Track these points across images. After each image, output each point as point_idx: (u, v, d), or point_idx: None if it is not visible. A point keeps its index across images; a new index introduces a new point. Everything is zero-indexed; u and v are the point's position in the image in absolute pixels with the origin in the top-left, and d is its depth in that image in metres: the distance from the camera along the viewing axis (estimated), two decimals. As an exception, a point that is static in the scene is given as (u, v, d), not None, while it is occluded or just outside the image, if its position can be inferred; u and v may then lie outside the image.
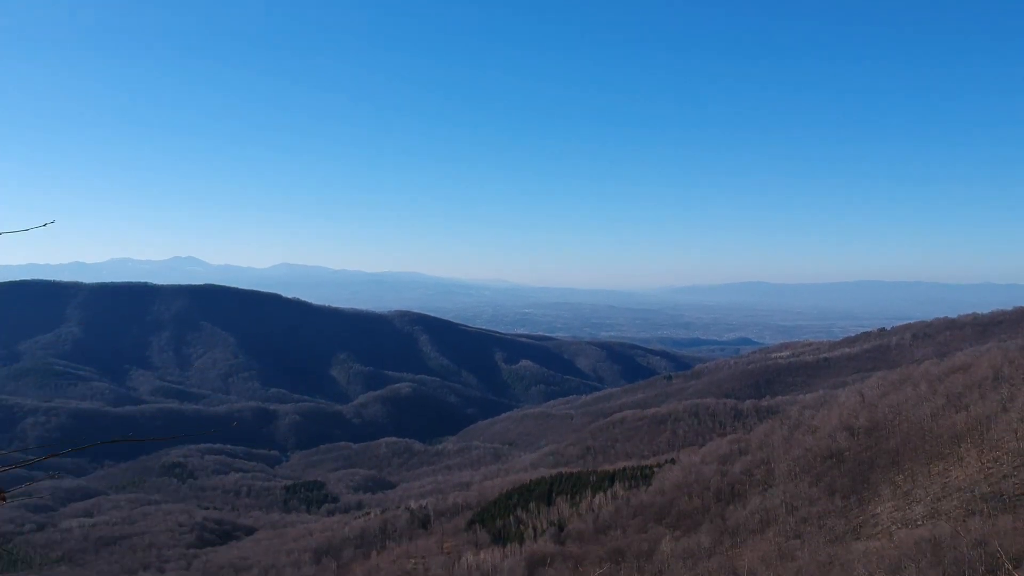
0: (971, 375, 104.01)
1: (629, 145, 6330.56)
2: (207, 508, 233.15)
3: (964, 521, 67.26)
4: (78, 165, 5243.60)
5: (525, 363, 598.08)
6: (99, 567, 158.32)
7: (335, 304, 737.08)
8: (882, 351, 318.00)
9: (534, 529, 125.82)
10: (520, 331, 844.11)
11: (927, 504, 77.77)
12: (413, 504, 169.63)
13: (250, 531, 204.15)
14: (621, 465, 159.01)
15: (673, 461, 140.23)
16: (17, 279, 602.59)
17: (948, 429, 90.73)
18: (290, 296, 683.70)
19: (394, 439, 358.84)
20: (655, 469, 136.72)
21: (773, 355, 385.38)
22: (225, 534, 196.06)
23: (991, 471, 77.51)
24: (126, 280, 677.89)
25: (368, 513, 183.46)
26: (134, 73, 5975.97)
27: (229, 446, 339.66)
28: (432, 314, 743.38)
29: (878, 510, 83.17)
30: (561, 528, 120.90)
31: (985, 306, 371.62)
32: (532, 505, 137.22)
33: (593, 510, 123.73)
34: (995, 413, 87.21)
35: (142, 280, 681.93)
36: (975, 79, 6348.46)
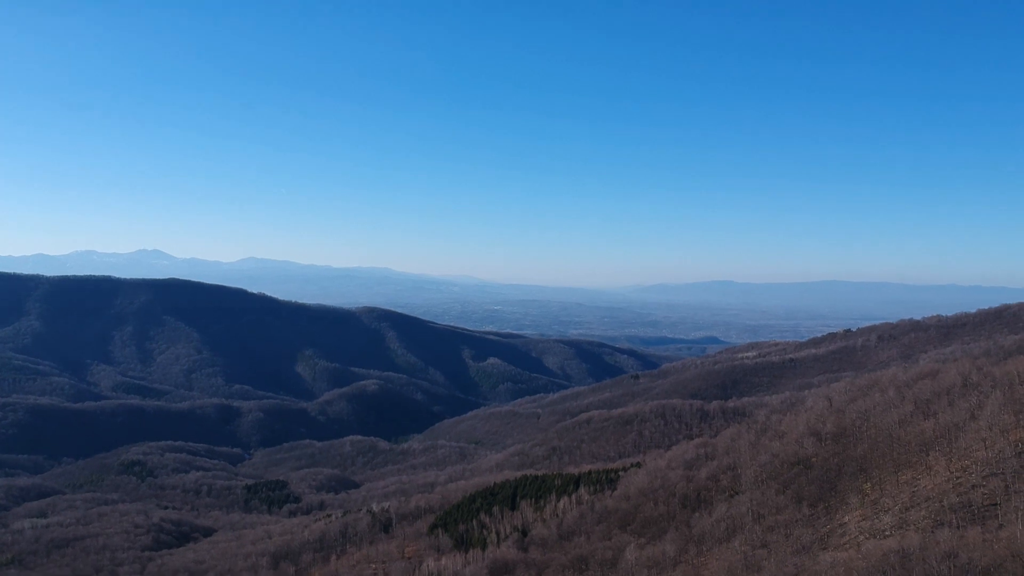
0: (939, 382, 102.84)
1: (600, 144, 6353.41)
2: (166, 508, 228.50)
3: (933, 532, 65.69)
4: (43, 156, 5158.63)
5: (493, 361, 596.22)
6: (50, 571, 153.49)
7: (302, 300, 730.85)
8: (848, 352, 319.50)
9: (497, 534, 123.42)
10: (488, 328, 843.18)
11: (895, 514, 76.17)
12: (375, 507, 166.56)
13: (208, 532, 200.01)
14: (586, 468, 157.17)
15: (639, 465, 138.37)
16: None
17: (916, 437, 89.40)
18: (256, 291, 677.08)
19: (359, 437, 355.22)
20: (620, 473, 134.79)
21: (740, 355, 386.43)
22: (183, 536, 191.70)
23: (960, 481, 76.08)
24: (89, 273, 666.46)
25: (329, 515, 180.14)
26: (103, 64, 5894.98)
27: (191, 444, 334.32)
28: (400, 310, 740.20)
29: (846, 519, 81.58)
30: (525, 534, 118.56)
31: (948, 308, 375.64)
32: (496, 509, 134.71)
33: (557, 515, 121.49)
34: (964, 421, 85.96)
35: (106, 273, 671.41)
36: (945, 86, 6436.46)
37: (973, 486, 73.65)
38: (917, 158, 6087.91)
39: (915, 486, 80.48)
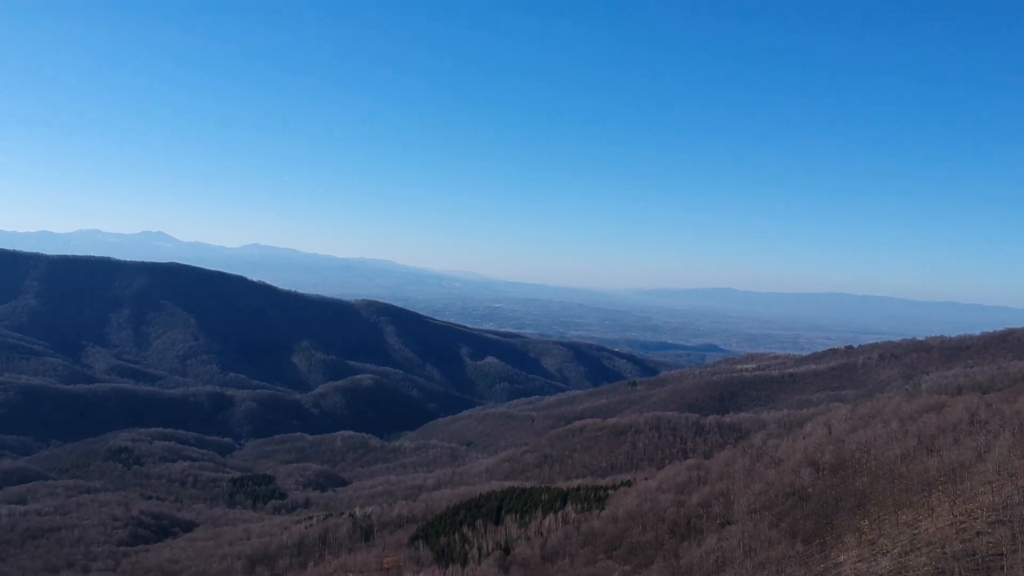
0: (945, 416, 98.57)
1: (607, 146, 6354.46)
2: (149, 498, 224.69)
3: (933, 581, 61.74)
4: (53, 136, 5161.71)
5: (491, 360, 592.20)
6: (21, 562, 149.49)
7: (302, 289, 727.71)
8: (848, 370, 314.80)
9: (479, 550, 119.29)
10: (488, 326, 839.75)
11: (894, 557, 71.98)
12: (358, 511, 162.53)
13: (189, 527, 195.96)
14: (575, 483, 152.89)
15: (629, 484, 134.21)
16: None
17: (919, 475, 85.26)
18: (257, 279, 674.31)
19: (350, 433, 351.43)
20: (610, 492, 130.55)
21: (739, 367, 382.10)
22: (162, 530, 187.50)
23: (964, 526, 71.82)
24: (92, 254, 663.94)
25: (311, 517, 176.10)
26: (115, 46, 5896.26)
27: (180, 431, 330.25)
28: (401, 304, 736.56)
29: (841, 559, 77.43)
30: (507, 551, 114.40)
31: (950, 325, 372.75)
32: (479, 523, 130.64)
33: (542, 534, 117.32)
34: (970, 462, 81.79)
35: (109, 254, 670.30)
36: (954, 101, 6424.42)
37: (978, 533, 69.44)
38: (923, 175, 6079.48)
39: (916, 528, 76.28)
